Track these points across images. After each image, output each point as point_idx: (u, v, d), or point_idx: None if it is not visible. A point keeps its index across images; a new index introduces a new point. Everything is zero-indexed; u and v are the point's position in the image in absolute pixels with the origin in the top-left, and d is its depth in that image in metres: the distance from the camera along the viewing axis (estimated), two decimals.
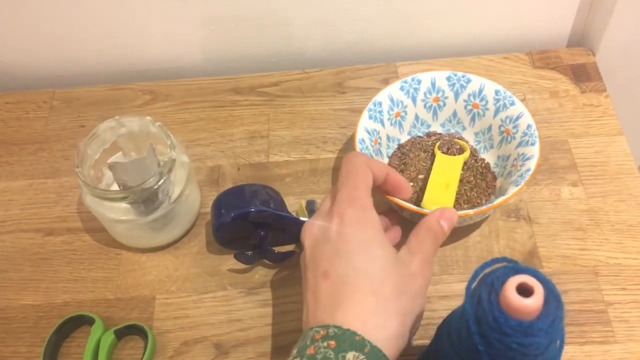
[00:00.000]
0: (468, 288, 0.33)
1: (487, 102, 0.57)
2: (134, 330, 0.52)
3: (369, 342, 0.35)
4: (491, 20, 0.69)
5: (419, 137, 0.60)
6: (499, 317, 0.31)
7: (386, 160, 0.59)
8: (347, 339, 0.35)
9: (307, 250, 0.43)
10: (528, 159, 0.52)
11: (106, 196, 0.50)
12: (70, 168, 0.63)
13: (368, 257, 0.40)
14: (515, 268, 0.32)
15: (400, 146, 0.60)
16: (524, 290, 0.31)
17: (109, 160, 0.50)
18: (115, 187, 0.54)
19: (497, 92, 0.56)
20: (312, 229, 0.44)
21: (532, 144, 0.52)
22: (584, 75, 0.66)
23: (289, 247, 0.55)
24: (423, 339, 0.50)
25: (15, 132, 0.66)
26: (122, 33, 0.68)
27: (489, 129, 0.58)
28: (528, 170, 0.50)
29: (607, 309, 0.51)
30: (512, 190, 0.50)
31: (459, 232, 0.56)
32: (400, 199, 0.49)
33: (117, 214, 0.52)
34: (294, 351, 0.37)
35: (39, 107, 0.68)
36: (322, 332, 0.36)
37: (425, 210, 0.50)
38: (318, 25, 0.68)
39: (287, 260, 0.55)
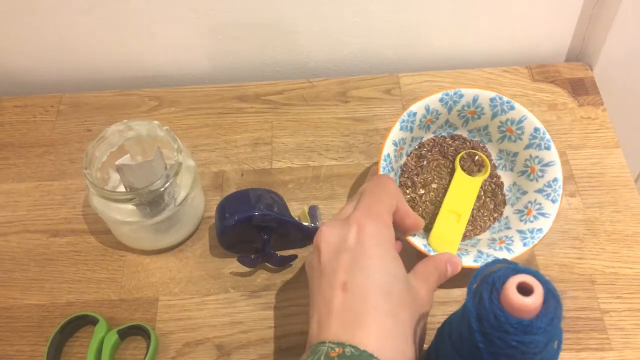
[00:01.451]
0: (470, 287, 0.34)
1: (482, 108, 0.56)
2: (137, 331, 0.53)
3: None
4: (492, 34, 0.71)
5: (442, 136, 0.59)
6: (499, 316, 0.31)
7: (404, 159, 0.58)
8: None
9: (323, 255, 0.41)
10: (548, 165, 0.53)
11: (113, 197, 0.51)
12: (76, 171, 0.64)
13: (388, 276, 0.39)
14: (515, 268, 0.33)
15: (421, 145, 0.59)
16: (524, 290, 0.32)
17: (117, 162, 0.51)
18: (121, 189, 0.55)
19: (492, 100, 0.56)
20: (329, 234, 0.42)
21: (547, 148, 0.54)
22: (581, 89, 0.68)
23: (292, 251, 0.56)
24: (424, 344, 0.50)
25: (23, 135, 0.67)
26: (129, 40, 0.69)
27: (486, 127, 0.58)
28: (555, 180, 0.53)
29: (603, 316, 0.52)
30: (553, 208, 0.52)
31: None
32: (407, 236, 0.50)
33: (122, 215, 0.53)
34: None
35: (47, 111, 0.69)
36: (337, 350, 0.35)
37: (430, 253, 0.50)
38: (323, 36, 0.69)
39: (289, 264, 0.56)
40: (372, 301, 0.38)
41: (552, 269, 0.55)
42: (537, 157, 0.55)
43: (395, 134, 0.55)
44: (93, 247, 0.59)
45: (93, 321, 0.53)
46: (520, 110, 0.55)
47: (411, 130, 0.56)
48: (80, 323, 0.53)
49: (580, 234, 0.57)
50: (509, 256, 0.50)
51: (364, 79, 0.70)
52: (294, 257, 0.56)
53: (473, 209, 0.56)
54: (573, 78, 0.69)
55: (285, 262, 0.55)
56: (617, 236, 0.56)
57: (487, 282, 0.33)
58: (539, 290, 0.31)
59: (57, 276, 0.57)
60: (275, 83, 0.70)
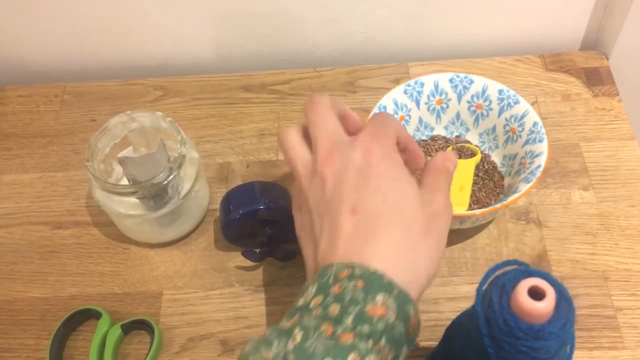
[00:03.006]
0: (479, 290, 0.33)
1: (490, 102, 0.57)
2: (141, 325, 0.52)
3: (396, 285, 0.33)
4: (504, 22, 0.69)
5: (424, 140, 0.60)
6: (509, 320, 0.30)
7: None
8: (376, 281, 0.33)
9: (329, 181, 0.38)
10: (537, 155, 0.51)
11: (115, 190, 0.50)
12: (80, 162, 0.63)
13: (399, 194, 0.37)
14: (526, 271, 0.32)
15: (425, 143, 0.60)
16: (536, 294, 0.31)
17: (119, 155, 0.50)
18: (124, 181, 0.54)
19: (500, 92, 0.56)
20: (333, 158, 0.39)
21: (540, 141, 0.52)
22: (596, 78, 0.66)
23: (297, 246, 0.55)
24: (430, 340, 0.49)
25: (27, 125, 0.67)
26: (134, 29, 0.68)
27: (494, 129, 0.58)
28: (539, 166, 0.50)
29: (616, 314, 0.50)
30: (524, 187, 0.49)
31: (468, 234, 0.55)
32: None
33: (126, 208, 0.52)
34: (312, 289, 0.35)
35: (50, 101, 0.68)
36: (346, 271, 0.34)
37: None
38: (330, 24, 0.68)
39: (294, 258, 0.55)
40: (385, 218, 0.36)
41: (564, 264, 0.53)
42: (511, 116, 0.56)
43: (398, 94, 0.56)
44: (97, 239, 0.58)
45: (96, 315, 0.52)
46: (524, 105, 0.55)
47: (417, 103, 0.57)
48: (84, 317, 0.53)
49: (593, 229, 0.55)
50: (515, 195, 0.50)
51: (372, 69, 0.68)
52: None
53: (475, 190, 0.56)
54: (588, 67, 0.67)
55: (290, 256, 0.54)
56: (632, 231, 0.55)
57: (496, 284, 0.32)
58: (550, 294, 0.30)
59: (61, 269, 0.56)
60: (282, 72, 0.69)
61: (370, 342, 0.31)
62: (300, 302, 0.35)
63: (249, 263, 0.55)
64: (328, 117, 0.41)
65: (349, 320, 0.32)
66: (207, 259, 0.56)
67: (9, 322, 0.53)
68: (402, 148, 0.43)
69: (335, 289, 0.33)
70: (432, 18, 0.68)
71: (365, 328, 0.32)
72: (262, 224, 0.53)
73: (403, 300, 0.33)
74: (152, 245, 0.57)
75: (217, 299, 0.54)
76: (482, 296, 0.33)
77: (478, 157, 0.57)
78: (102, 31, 0.69)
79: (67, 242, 0.58)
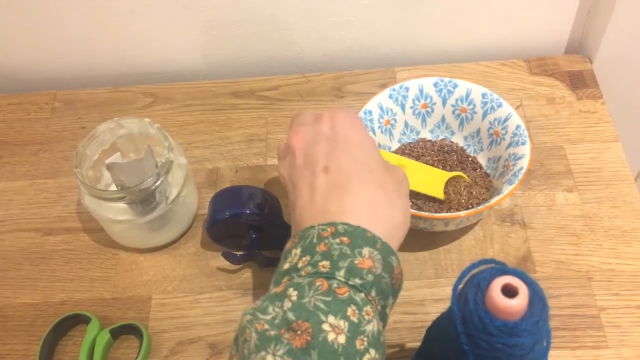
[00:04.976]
0: (455, 289, 0.33)
1: (474, 105, 0.58)
2: (130, 330, 0.52)
3: (379, 238, 0.35)
4: (489, 27, 0.70)
5: (410, 143, 0.61)
6: (484, 318, 0.31)
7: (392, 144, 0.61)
8: (360, 235, 0.34)
9: (299, 152, 0.41)
10: (520, 158, 0.52)
11: (104, 196, 0.51)
12: (70, 169, 0.63)
13: (367, 155, 0.40)
14: (501, 269, 0.32)
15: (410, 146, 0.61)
16: (510, 292, 0.31)
17: (107, 161, 0.51)
18: (113, 187, 0.55)
19: (484, 95, 0.57)
20: (301, 132, 0.41)
21: (523, 144, 0.53)
22: (580, 82, 0.67)
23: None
24: (416, 342, 0.50)
25: (17, 132, 0.67)
26: (124, 36, 0.69)
27: (478, 132, 0.58)
28: (521, 168, 0.51)
29: (599, 314, 0.51)
30: (507, 189, 0.50)
31: (454, 236, 0.56)
32: None
33: (114, 214, 0.53)
34: (296, 251, 0.36)
35: (41, 109, 0.69)
36: (329, 229, 0.35)
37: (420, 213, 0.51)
38: (318, 31, 0.68)
39: (275, 265, 0.55)
40: (357, 174, 0.38)
41: (548, 265, 0.54)
42: (495, 119, 0.57)
43: (384, 99, 0.57)
44: (86, 245, 0.58)
45: (85, 320, 0.53)
46: (507, 108, 0.56)
47: (402, 107, 0.58)
48: (73, 322, 0.53)
49: (577, 230, 0.56)
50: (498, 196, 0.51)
51: (359, 74, 0.69)
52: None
53: (465, 198, 0.56)
54: (572, 71, 0.68)
55: (272, 263, 0.55)
56: (615, 232, 0.56)
57: (472, 283, 0.32)
58: (523, 291, 0.31)
59: (51, 275, 0.57)
60: (270, 79, 0.70)
61: (363, 294, 0.33)
62: (286, 265, 0.35)
63: (231, 265, 0.55)
64: (304, 114, 0.44)
65: (341, 274, 0.33)
66: (196, 263, 0.57)
67: None
68: None
69: (321, 247, 0.34)
70: (418, 24, 0.69)
71: (357, 281, 0.33)
72: (247, 227, 0.53)
73: (386, 252, 0.35)
74: (141, 251, 0.57)
75: (206, 303, 0.54)
76: (459, 295, 0.33)
77: (452, 174, 0.57)
78: (92, 40, 0.69)
79: (57, 248, 0.58)
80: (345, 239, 0.34)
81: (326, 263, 0.34)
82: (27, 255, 0.58)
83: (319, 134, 0.40)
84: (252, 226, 0.53)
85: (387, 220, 0.37)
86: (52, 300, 0.55)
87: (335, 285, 0.32)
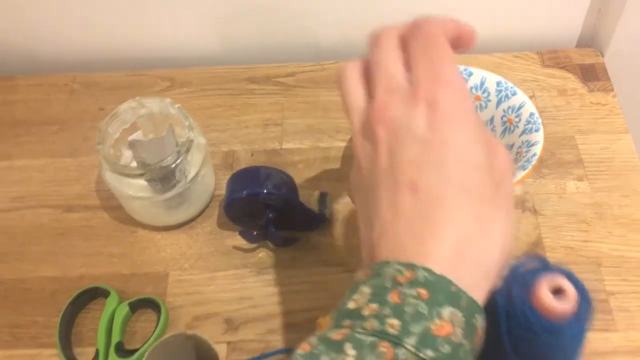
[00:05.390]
0: (501, 285, 0.33)
1: (489, 93, 0.59)
2: (148, 304, 0.54)
3: (464, 293, 0.29)
4: (503, 19, 0.71)
5: None
6: (530, 316, 0.31)
7: None
8: (442, 289, 0.28)
9: (383, 147, 0.32)
10: (533, 145, 0.53)
11: (125, 172, 0.52)
12: (89, 148, 0.65)
13: (467, 166, 0.31)
14: (546, 266, 0.32)
15: None
16: (556, 290, 0.31)
17: (130, 138, 0.52)
18: (134, 165, 0.56)
19: (498, 84, 0.58)
20: (390, 109, 0.32)
21: (536, 131, 0.54)
22: (592, 75, 0.68)
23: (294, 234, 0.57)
24: None
25: (36, 113, 0.68)
26: (142, 21, 0.70)
27: (492, 120, 0.59)
28: (534, 155, 0.52)
29: (608, 298, 0.52)
30: (520, 175, 0.51)
31: None
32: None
33: (134, 190, 0.54)
34: (365, 289, 0.30)
35: (60, 90, 0.70)
36: (407, 273, 0.29)
37: None
38: (334, 18, 0.70)
39: (289, 245, 0.56)
40: (448, 202, 0.30)
41: (558, 251, 0.55)
42: (508, 107, 0.57)
43: None
44: (105, 222, 0.60)
45: (104, 294, 0.54)
46: (521, 96, 0.57)
47: None
48: (92, 295, 0.55)
49: (587, 218, 0.57)
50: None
51: None
52: (296, 239, 0.56)
53: None
54: (584, 64, 0.69)
55: (286, 243, 0.56)
56: (625, 220, 0.57)
57: (516, 278, 0.32)
58: (572, 294, 0.31)
59: (70, 250, 0.58)
60: (286, 65, 0.71)
61: None
62: (351, 304, 0.30)
63: (247, 245, 0.56)
64: (390, 55, 0.34)
65: (411, 341, 0.27)
66: (212, 242, 0.58)
67: (19, 300, 0.55)
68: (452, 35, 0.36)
69: (393, 297, 0.28)
70: (433, 13, 0.69)
71: (429, 353, 0.27)
72: (264, 207, 0.54)
73: (472, 310, 0.29)
74: (158, 229, 0.59)
75: (222, 280, 0.55)
76: (502, 289, 0.32)
77: None
78: (111, 24, 0.70)
79: (76, 224, 0.59)
80: (423, 291, 0.28)
81: (396, 322, 0.28)
82: (47, 230, 0.59)
83: (410, 125, 0.31)
84: (268, 206, 0.54)
85: (479, 266, 0.30)
86: (71, 274, 0.56)
87: (401, 356, 0.27)
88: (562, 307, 0.30)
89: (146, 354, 0.39)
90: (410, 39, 0.35)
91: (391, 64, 0.34)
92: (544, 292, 0.31)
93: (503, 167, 0.33)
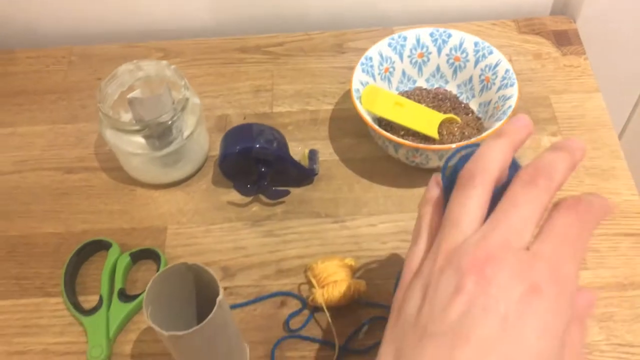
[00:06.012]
0: (445, 163, 0.36)
1: (467, 54, 0.62)
2: (148, 254, 0.57)
3: None
4: None
5: (407, 91, 0.65)
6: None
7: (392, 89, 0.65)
8: None
9: (462, 297, 0.27)
10: (508, 98, 0.57)
11: (124, 128, 0.55)
12: (88, 115, 0.67)
13: None
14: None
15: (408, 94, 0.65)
16: None
17: (129, 96, 0.55)
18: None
19: (476, 44, 0.62)
20: (490, 271, 0.27)
21: (511, 85, 0.57)
22: (565, 40, 0.71)
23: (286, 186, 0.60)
24: None
25: (36, 83, 0.71)
26: None
27: (470, 79, 0.63)
28: (510, 107, 0.56)
29: None
30: (496, 125, 0.55)
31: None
32: None
33: (133, 147, 0.57)
34: None
35: (58, 62, 0.73)
36: None
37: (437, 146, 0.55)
38: None
39: (282, 198, 0.59)
40: None
41: None
42: (486, 65, 0.61)
43: (383, 47, 0.62)
44: (105, 182, 0.62)
45: (106, 246, 0.57)
46: (497, 55, 0.60)
47: (400, 56, 0.63)
48: (95, 247, 0.57)
49: None
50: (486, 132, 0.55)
51: (359, 32, 0.74)
52: (287, 192, 0.59)
53: (457, 138, 0.60)
54: (557, 30, 0.73)
55: (279, 195, 0.59)
56: (595, 170, 0.60)
57: (463, 158, 0.36)
58: None
59: (72, 208, 0.61)
60: (275, 35, 0.74)
61: None
62: None
63: (245, 200, 0.60)
64: (537, 211, 0.29)
65: None
66: (207, 198, 0.61)
67: (25, 254, 0.58)
68: None
69: None
70: None
71: None
72: (256, 162, 0.57)
73: None
74: (157, 187, 0.62)
75: (218, 232, 0.58)
76: (449, 167, 0.36)
77: (446, 116, 0.61)
78: None
79: (77, 185, 0.62)
80: None
81: None
82: (49, 191, 0.62)
83: (503, 295, 0.27)
84: (260, 160, 0.57)
85: None
86: (74, 229, 0.59)
87: None
88: None
89: (149, 284, 0.42)
90: (566, 207, 0.30)
91: (529, 220, 0.29)
92: None
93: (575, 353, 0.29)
